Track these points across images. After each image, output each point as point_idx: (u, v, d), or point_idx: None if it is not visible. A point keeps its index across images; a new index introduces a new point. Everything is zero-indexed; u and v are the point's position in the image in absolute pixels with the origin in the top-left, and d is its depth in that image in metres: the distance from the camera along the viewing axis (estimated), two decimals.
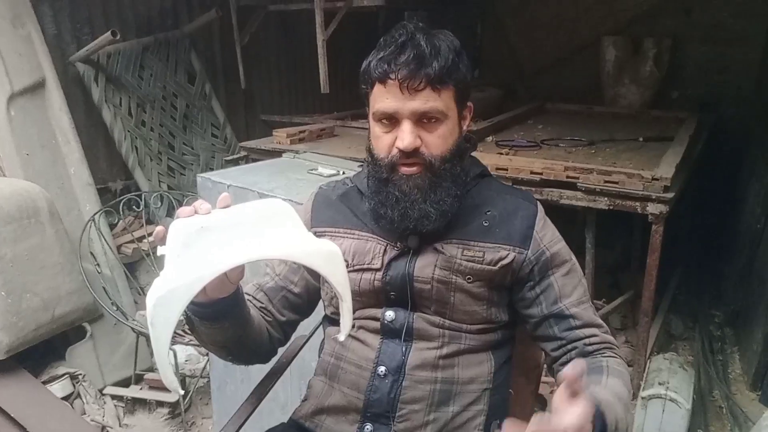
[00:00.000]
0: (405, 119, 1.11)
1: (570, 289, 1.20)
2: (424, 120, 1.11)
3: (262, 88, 4.55)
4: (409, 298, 1.19)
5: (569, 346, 1.19)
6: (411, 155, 1.12)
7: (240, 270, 1.01)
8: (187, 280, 0.86)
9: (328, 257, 0.97)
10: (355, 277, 1.22)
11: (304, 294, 1.32)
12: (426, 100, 1.09)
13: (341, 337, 1.01)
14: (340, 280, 0.98)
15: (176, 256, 0.89)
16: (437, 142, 1.13)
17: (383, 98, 1.12)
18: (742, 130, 4.23)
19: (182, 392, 0.98)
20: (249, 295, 1.31)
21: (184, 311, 1.02)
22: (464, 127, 1.21)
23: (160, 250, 0.91)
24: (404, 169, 1.14)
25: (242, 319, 1.13)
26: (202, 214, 0.93)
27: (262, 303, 1.29)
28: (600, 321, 1.22)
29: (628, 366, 2.88)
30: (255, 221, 0.94)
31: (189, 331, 1.22)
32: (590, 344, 1.18)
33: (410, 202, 1.14)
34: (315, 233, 1.27)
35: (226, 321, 1.09)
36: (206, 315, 1.06)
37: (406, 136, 1.10)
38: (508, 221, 1.20)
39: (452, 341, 1.20)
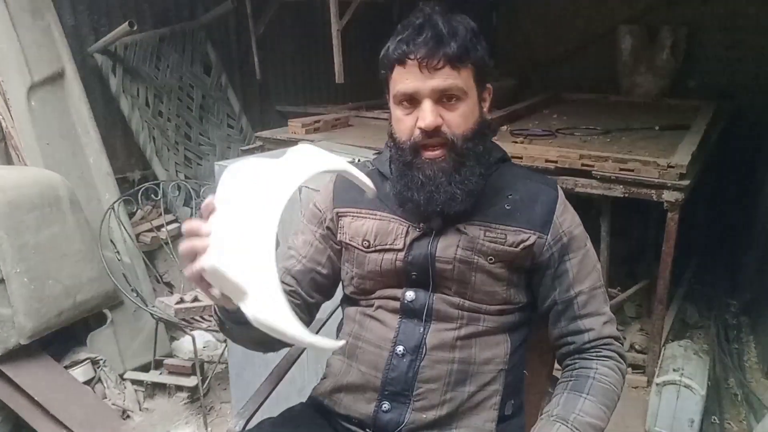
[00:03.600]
0: (425, 98, 1.12)
1: (584, 275, 1.23)
2: (444, 99, 1.12)
3: (277, 79, 4.58)
4: (431, 279, 1.21)
5: (569, 338, 1.23)
6: (433, 135, 1.13)
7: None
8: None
9: (307, 153, 0.98)
10: (377, 258, 1.24)
11: (331, 274, 1.34)
12: (446, 78, 1.10)
13: (370, 195, 1.05)
14: (332, 164, 0.99)
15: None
16: (458, 120, 1.13)
17: (403, 79, 1.13)
18: (760, 119, 4.19)
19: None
20: None
21: (217, 316, 1.12)
22: (485, 109, 1.22)
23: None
24: (428, 154, 1.15)
25: None
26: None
27: (291, 286, 1.30)
28: (607, 311, 1.25)
29: (642, 353, 2.89)
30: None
31: (219, 330, 1.24)
32: (589, 341, 1.22)
33: (436, 186, 1.15)
34: (338, 214, 1.30)
35: None
36: (241, 319, 1.07)
37: (427, 115, 1.11)
38: (530, 206, 1.22)
39: (470, 323, 1.22)
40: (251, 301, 0.87)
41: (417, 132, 1.14)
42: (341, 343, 0.95)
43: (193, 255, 0.89)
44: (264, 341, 1.14)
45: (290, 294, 1.29)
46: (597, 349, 1.22)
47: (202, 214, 0.92)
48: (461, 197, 1.15)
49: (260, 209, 0.89)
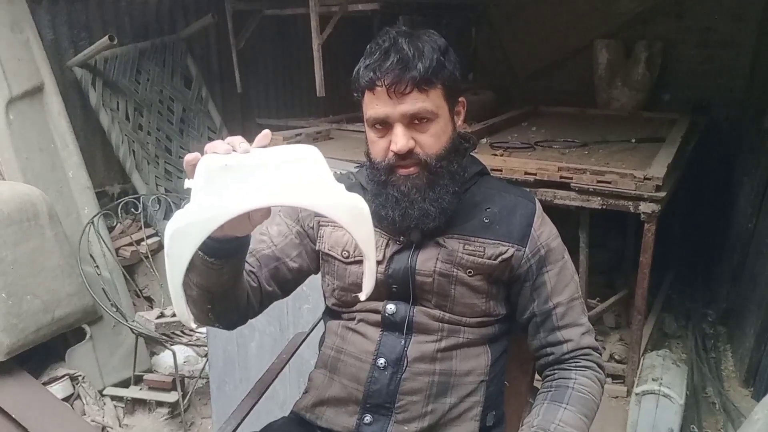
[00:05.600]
0: (396, 123, 1.13)
1: (562, 287, 1.24)
2: (415, 121, 1.14)
3: (258, 92, 4.58)
4: (411, 291, 1.22)
5: (548, 350, 1.25)
6: (406, 157, 1.15)
7: (264, 212, 1.00)
8: (205, 216, 0.87)
9: (352, 212, 0.93)
10: (357, 270, 1.25)
11: (296, 272, 1.32)
12: (414, 102, 1.12)
13: (362, 296, 0.99)
14: (363, 237, 0.95)
15: (199, 190, 0.89)
16: (430, 141, 1.15)
17: (373, 105, 1.14)
18: (734, 131, 4.28)
19: (194, 326, 0.96)
20: None
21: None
22: (459, 122, 1.23)
23: (186, 183, 0.91)
24: (401, 171, 1.17)
25: (239, 268, 1.12)
26: (239, 152, 0.92)
27: (252, 268, 1.26)
28: (585, 321, 1.27)
29: (621, 363, 2.92)
30: (281, 164, 0.91)
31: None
32: (568, 352, 1.23)
33: (410, 202, 1.17)
34: (319, 223, 1.30)
35: (228, 263, 1.06)
36: (213, 250, 1.02)
37: (399, 140, 1.13)
38: (508, 219, 1.23)
39: (451, 335, 1.23)
40: (198, 207, 0.87)
41: (390, 154, 1.15)
42: (192, 325, 0.95)
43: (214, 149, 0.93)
44: (213, 291, 1.10)
45: (248, 273, 1.24)
46: (576, 360, 1.23)
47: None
48: (434, 215, 1.17)
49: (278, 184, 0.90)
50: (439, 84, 1.14)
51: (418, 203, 1.16)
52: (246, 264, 1.24)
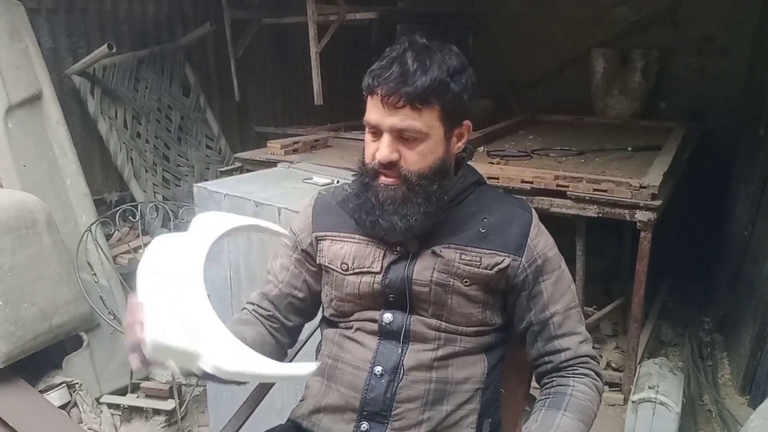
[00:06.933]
0: (385, 133, 1.15)
1: (558, 296, 1.25)
2: (403, 136, 1.15)
3: (256, 100, 4.59)
4: (408, 301, 1.23)
5: (546, 359, 1.26)
6: (389, 167, 1.17)
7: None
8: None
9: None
10: (355, 280, 1.26)
11: (308, 298, 1.37)
12: (404, 118, 1.12)
13: (286, 241, 1.16)
14: (242, 221, 1.17)
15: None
16: (415, 158, 1.16)
17: (370, 109, 1.17)
18: (730, 140, 4.29)
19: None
20: (254, 304, 1.36)
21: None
22: (457, 145, 1.23)
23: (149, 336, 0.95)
24: (383, 179, 1.19)
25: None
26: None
27: (269, 311, 1.34)
28: (582, 330, 1.27)
29: (618, 371, 2.93)
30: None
31: None
32: (566, 360, 1.24)
33: (382, 212, 1.18)
34: (316, 237, 1.32)
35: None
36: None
37: (383, 149, 1.15)
38: (504, 229, 1.24)
39: (448, 343, 1.24)
40: (207, 357, 0.91)
41: (377, 159, 1.17)
42: (314, 366, 0.98)
43: (134, 334, 0.95)
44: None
45: (268, 318, 1.32)
46: (574, 368, 1.24)
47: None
48: (400, 230, 1.18)
49: (182, 276, 0.97)
50: (437, 105, 1.14)
51: (388, 215, 1.18)
52: (262, 309, 1.35)
